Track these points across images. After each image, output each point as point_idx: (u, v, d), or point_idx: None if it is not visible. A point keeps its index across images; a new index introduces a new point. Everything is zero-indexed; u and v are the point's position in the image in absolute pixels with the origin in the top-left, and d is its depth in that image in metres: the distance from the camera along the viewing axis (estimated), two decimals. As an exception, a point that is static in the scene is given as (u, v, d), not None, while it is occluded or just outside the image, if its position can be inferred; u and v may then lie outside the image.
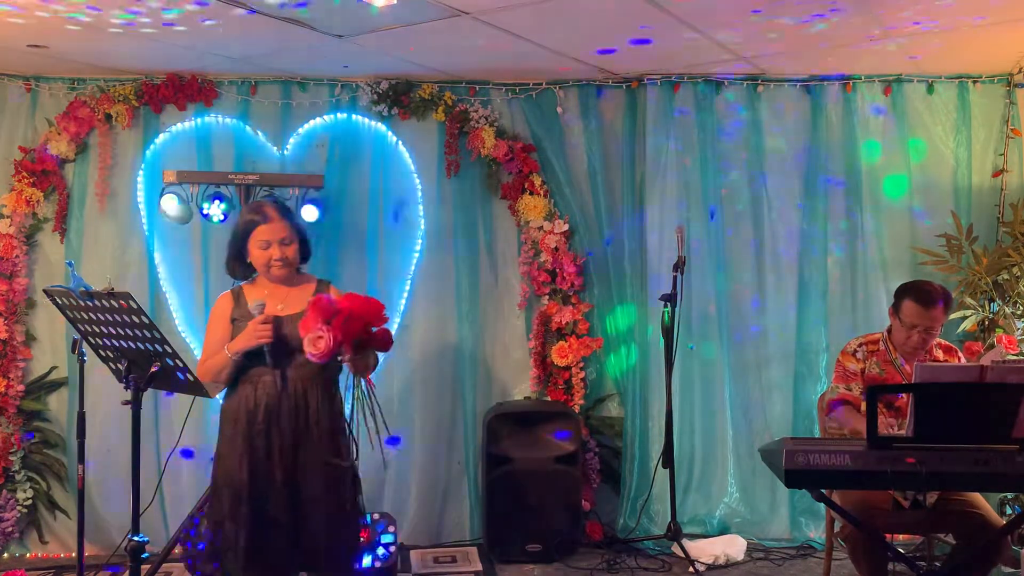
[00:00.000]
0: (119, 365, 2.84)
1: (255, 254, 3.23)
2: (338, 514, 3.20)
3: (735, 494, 4.98)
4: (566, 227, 4.96)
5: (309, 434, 3.15)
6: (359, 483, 3.31)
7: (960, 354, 3.74)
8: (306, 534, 3.13)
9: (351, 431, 3.22)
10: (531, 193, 4.95)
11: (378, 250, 4.95)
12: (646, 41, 4.26)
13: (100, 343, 2.88)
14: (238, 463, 3.13)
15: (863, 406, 3.63)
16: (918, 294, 3.56)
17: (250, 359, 3.15)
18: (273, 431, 3.13)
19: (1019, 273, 4.55)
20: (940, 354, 3.69)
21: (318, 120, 4.91)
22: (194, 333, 4.82)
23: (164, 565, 4.27)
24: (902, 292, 3.64)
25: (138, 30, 3.94)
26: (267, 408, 3.12)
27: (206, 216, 4.51)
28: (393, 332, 4.86)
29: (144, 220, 4.81)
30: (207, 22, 3.84)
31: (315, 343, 2.92)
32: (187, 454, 4.71)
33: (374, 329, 3.00)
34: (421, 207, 5.00)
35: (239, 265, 3.28)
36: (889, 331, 3.70)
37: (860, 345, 3.72)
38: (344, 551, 3.25)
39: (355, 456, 3.26)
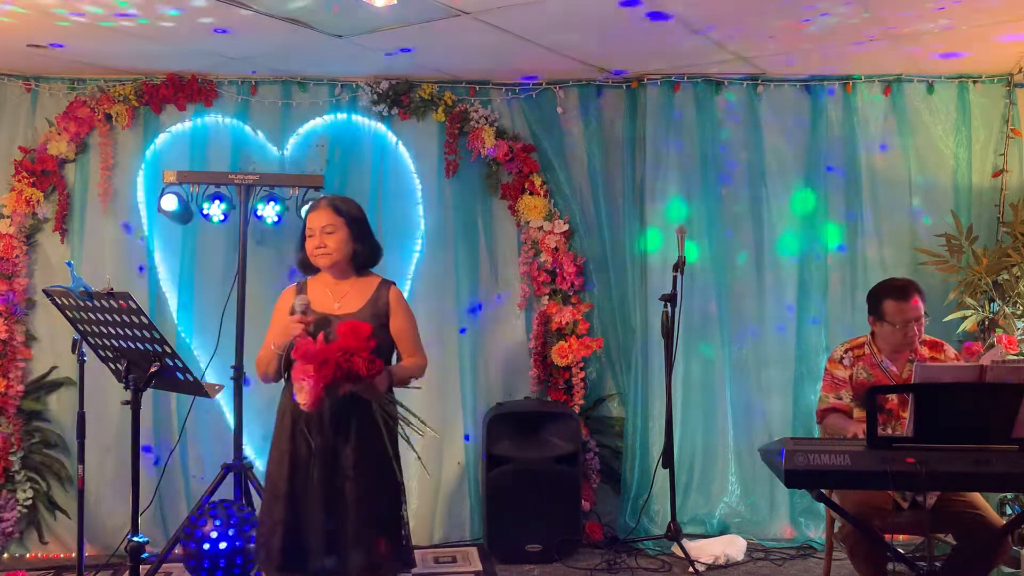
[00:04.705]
0: (119, 365, 2.84)
1: (306, 244, 3.27)
2: (377, 518, 3.14)
3: (735, 494, 4.98)
4: (566, 227, 4.96)
5: (348, 436, 3.12)
6: (400, 487, 3.26)
7: (947, 347, 3.73)
8: (343, 536, 3.10)
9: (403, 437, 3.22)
10: (531, 193, 4.95)
11: (378, 250, 4.95)
12: (645, 41, 4.26)
13: (100, 343, 2.88)
14: (278, 460, 3.15)
15: (854, 413, 3.64)
16: (894, 291, 3.58)
17: None
18: (315, 431, 3.12)
19: (1019, 273, 4.54)
20: (926, 351, 3.67)
21: (318, 120, 4.92)
22: (194, 333, 4.82)
23: (164, 565, 4.27)
24: (878, 296, 3.64)
25: (138, 30, 3.94)
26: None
27: (206, 216, 4.51)
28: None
29: (144, 220, 4.81)
30: (205, 20, 3.84)
31: (302, 393, 2.91)
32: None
33: (359, 359, 2.92)
34: (421, 207, 5.00)
35: (303, 259, 3.31)
36: (873, 335, 3.70)
37: (846, 351, 3.72)
38: (380, 561, 3.16)
39: (399, 468, 3.22)
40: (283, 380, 3.26)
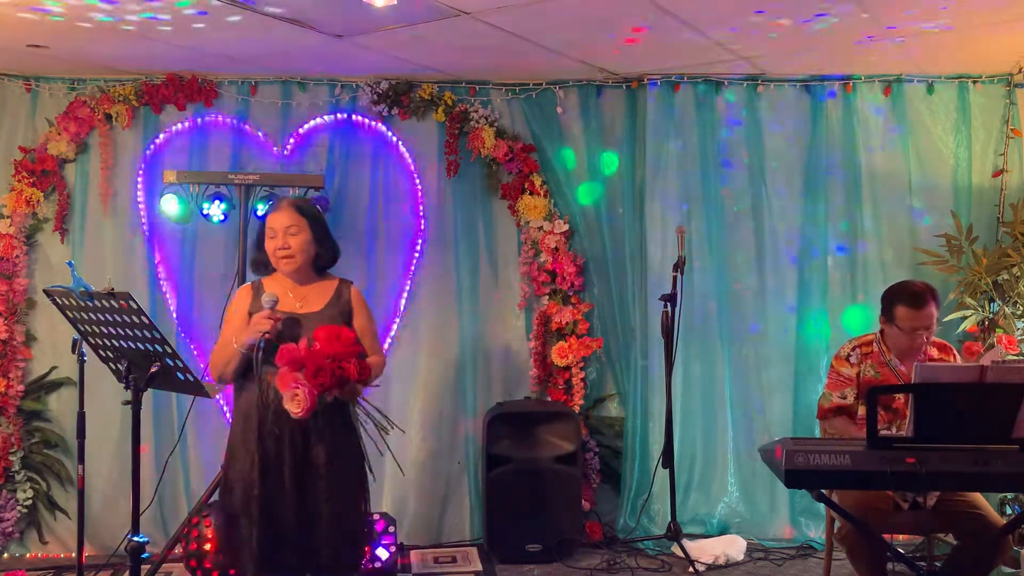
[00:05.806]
0: (119, 365, 2.84)
1: (266, 245, 3.23)
2: (346, 515, 3.19)
3: (735, 494, 4.98)
4: (566, 227, 4.96)
5: (320, 434, 3.13)
6: (367, 484, 3.30)
7: (955, 352, 3.73)
8: (315, 535, 3.12)
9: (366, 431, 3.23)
10: (531, 193, 4.95)
11: (378, 250, 4.95)
12: (646, 41, 4.26)
13: (100, 343, 2.88)
14: (250, 461, 3.13)
15: (860, 411, 3.63)
16: (908, 298, 3.51)
17: (265, 355, 3.09)
18: (284, 430, 3.11)
19: (1019, 273, 4.55)
20: (935, 352, 3.66)
21: (318, 120, 4.91)
22: (194, 333, 4.82)
23: (164, 565, 4.27)
24: (891, 298, 3.58)
25: (138, 30, 3.94)
26: (278, 407, 3.08)
27: (206, 216, 4.51)
28: (391, 333, 4.92)
29: (144, 220, 4.81)
30: (205, 20, 3.83)
31: (295, 401, 2.90)
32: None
33: (350, 364, 2.95)
34: (421, 207, 5.00)
35: (260, 259, 3.29)
36: (882, 333, 3.69)
37: (853, 348, 3.70)
38: (350, 552, 3.24)
39: (365, 458, 3.26)
40: (242, 380, 3.21)
